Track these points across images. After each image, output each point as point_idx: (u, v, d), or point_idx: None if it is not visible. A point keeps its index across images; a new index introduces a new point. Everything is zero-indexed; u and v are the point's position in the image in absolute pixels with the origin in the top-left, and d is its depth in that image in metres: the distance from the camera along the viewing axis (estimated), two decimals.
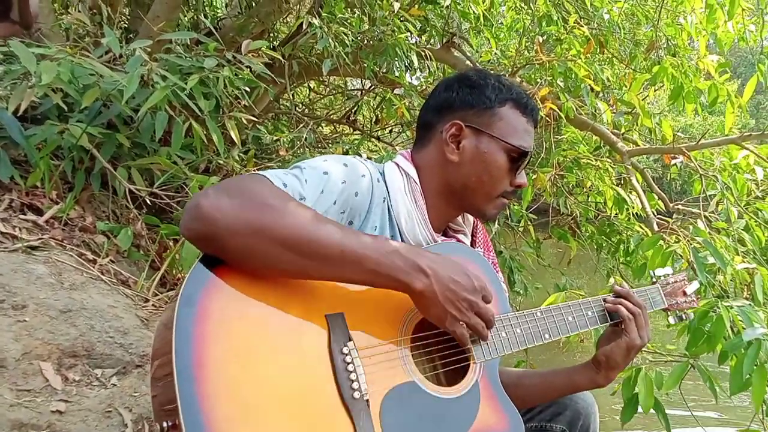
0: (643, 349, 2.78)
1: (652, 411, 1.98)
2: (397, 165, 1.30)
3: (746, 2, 3.57)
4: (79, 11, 2.63)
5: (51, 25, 2.80)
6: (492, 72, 1.38)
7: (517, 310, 1.31)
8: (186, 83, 2.21)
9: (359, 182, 1.17)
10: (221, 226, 0.93)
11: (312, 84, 5.38)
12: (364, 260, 1.00)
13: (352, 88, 5.22)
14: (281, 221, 0.96)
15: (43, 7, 2.78)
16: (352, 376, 1.00)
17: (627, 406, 2.00)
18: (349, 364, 1.00)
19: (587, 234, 4.14)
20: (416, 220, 1.25)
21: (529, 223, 3.91)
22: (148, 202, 2.30)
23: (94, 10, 2.84)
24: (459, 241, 1.39)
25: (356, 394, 0.99)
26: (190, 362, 0.86)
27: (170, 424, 0.85)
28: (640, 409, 1.96)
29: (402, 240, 1.25)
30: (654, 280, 1.65)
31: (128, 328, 1.74)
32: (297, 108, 4.98)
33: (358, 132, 4.67)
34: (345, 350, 1.01)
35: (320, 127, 5.01)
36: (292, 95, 5.13)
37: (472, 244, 1.44)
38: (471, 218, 1.45)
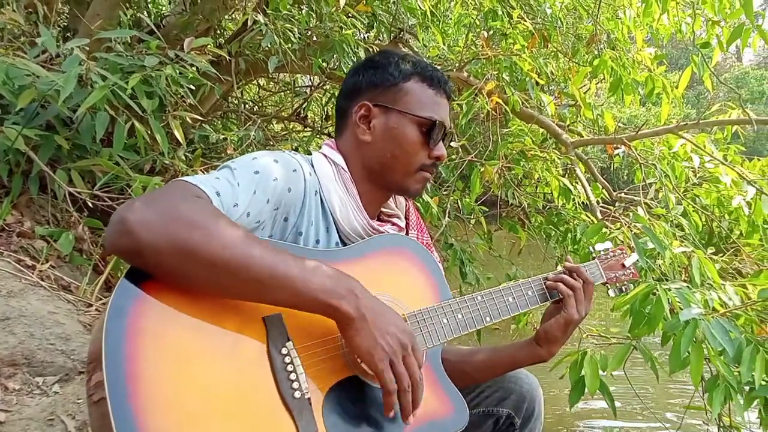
0: (589, 334, 2.88)
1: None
2: (325, 155, 1.30)
3: None
4: (14, 10, 2.53)
5: None
6: (398, 52, 1.39)
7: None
8: (127, 82, 2.16)
9: (291, 177, 1.16)
10: (146, 244, 0.90)
11: (262, 81, 5.32)
12: (293, 282, 0.97)
13: (302, 85, 5.19)
14: (209, 242, 0.92)
15: None
16: (292, 376, 0.99)
17: (574, 389, 2.05)
18: (288, 364, 1.00)
19: (536, 224, 4.24)
20: (350, 208, 1.26)
21: (480, 215, 3.97)
22: (90, 204, 2.24)
23: (30, 9, 2.74)
24: (394, 224, 1.39)
25: (297, 394, 0.98)
26: (122, 377, 0.84)
27: None
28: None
29: (338, 230, 1.25)
30: (593, 255, 1.70)
31: (70, 334, 1.70)
32: (246, 106, 4.92)
33: (309, 129, 4.65)
34: (284, 351, 1.00)
35: (271, 125, 4.96)
36: (241, 93, 5.07)
37: (406, 226, 1.45)
38: (403, 201, 1.47)
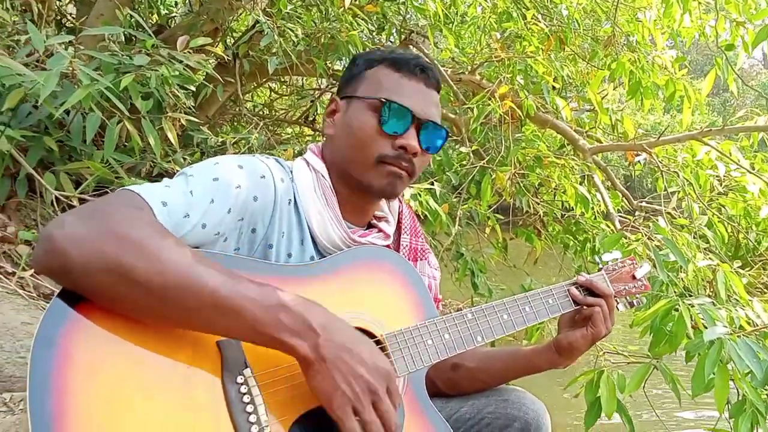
0: (606, 351, 2.71)
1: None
2: (306, 161, 1.19)
3: None
4: (7, 9, 2.47)
5: None
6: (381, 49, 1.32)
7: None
8: (120, 82, 2.08)
9: (258, 184, 1.04)
10: (75, 262, 0.79)
11: (275, 85, 5.24)
12: (241, 313, 0.84)
13: (313, 87, 5.11)
14: (146, 262, 0.81)
15: None
16: (249, 408, 0.87)
17: (590, 410, 1.94)
18: (245, 394, 0.88)
19: (554, 233, 4.08)
20: (328, 220, 1.13)
21: (495, 222, 3.83)
22: None
23: (25, 8, 2.68)
24: (380, 230, 1.25)
25: (254, 428, 0.86)
26: (48, 413, 0.74)
27: None
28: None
29: (314, 242, 1.13)
30: (600, 266, 1.56)
31: None
32: (256, 109, 4.85)
33: (318, 132, 4.56)
34: (240, 379, 0.88)
35: (281, 128, 4.88)
36: (251, 95, 5.00)
37: (398, 230, 1.32)
38: (397, 202, 1.34)
